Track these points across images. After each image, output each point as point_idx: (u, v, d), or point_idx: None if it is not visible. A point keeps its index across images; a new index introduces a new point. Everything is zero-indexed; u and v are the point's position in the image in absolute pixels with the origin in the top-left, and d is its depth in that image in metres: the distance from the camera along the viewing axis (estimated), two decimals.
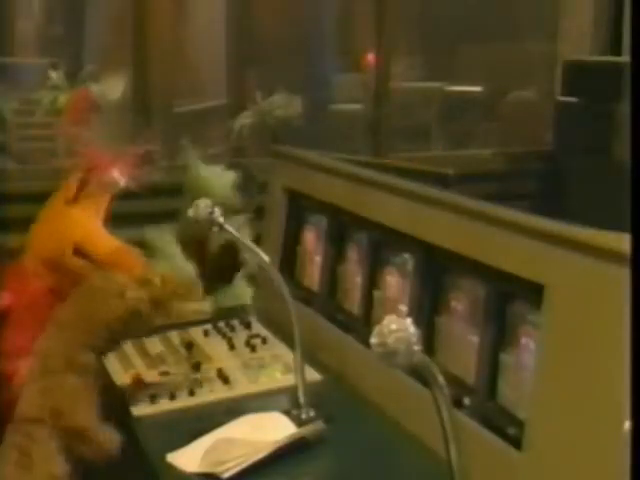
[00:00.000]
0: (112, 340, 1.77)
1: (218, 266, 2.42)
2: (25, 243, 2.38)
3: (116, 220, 2.41)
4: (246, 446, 1.53)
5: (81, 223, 2.36)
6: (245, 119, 4.18)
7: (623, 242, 1.17)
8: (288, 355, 1.89)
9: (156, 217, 2.82)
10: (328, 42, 4.86)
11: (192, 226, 1.76)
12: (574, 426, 1.25)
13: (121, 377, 1.91)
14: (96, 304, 1.75)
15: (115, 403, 1.80)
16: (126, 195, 2.49)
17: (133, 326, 1.78)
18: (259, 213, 2.40)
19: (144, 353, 2.04)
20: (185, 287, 2.04)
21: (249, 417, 1.66)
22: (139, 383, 1.87)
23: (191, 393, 1.81)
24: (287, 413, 1.66)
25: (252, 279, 2.49)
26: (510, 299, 1.48)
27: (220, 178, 2.60)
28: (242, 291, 2.54)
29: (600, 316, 1.23)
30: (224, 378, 1.87)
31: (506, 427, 1.43)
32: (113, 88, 3.21)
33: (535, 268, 1.37)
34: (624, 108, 3.46)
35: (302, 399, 1.69)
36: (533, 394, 1.35)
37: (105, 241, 2.37)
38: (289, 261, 2.26)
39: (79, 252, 2.32)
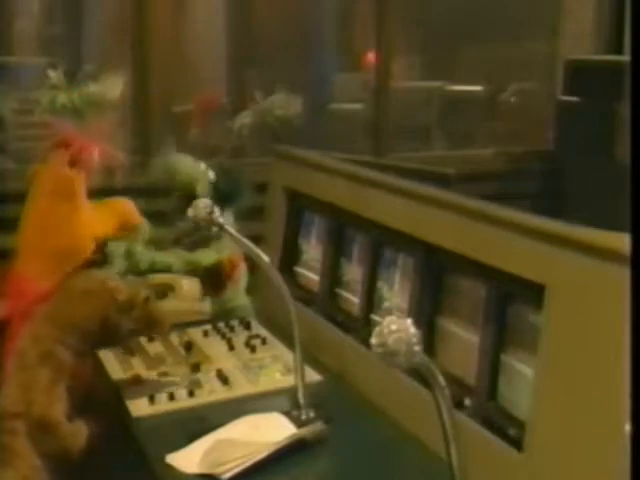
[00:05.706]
0: (87, 341, 1.78)
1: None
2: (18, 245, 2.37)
3: None
4: (246, 447, 1.52)
5: (89, 217, 2.35)
6: (245, 119, 4.18)
7: (623, 242, 1.17)
8: (288, 356, 1.88)
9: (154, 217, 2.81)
10: (328, 42, 4.86)
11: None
12: (575, 427, 1.24)
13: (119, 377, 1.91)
14: (73, 304, 1.77)
15: (111, 402, 1.80)
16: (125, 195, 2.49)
17: (105, 330, 1.79)
18: (258, 213, 2.40)
19: (143, 353, 2.03)
20: (163, 288, 2.08)
21: (249, 418, 1.66)
22: (136, 380, 1.88)
23: (190, 394, 1.81)
24: (287, 414, 1.65)
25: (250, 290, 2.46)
26: (511, 299, 1.48)
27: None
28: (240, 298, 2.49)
29: (600, 316, 1.23)
30: (224, 379, 1.86)
31: (507, 428, 1.42)
32: (112, 87, 3.20)
33: (536, 268, 1.37)
34: (625, 108, 3.46)
35: (302, 400, 1.68)
36: (534, 395, 1.35)
37: (103, 218, 2.37)
38: (289, 261, 2.26)
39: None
